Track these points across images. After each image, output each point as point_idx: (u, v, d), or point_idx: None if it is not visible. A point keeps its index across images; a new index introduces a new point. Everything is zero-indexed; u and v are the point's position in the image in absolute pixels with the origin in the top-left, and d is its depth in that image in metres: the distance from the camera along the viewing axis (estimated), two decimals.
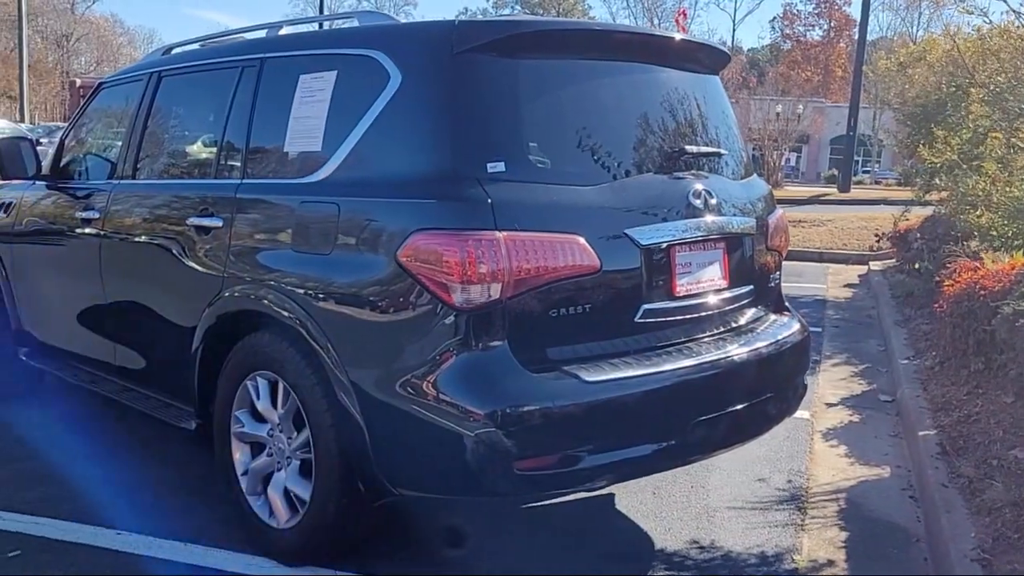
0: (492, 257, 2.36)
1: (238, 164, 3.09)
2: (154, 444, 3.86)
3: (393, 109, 2.61)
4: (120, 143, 3.75)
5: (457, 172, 2.47)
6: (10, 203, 4.44)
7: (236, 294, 2.92)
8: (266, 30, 3.37)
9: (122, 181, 3.63)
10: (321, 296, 2.64)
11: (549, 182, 2.55)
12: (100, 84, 4.14)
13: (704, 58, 3.16)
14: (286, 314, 2.71)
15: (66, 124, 4.25)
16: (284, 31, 3.34)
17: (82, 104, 4.23)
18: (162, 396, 3.50)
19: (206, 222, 3.08)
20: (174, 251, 3.23)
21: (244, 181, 3.03)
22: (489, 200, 2.41)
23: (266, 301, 2.78)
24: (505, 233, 2.39)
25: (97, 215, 3.65)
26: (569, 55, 2.73)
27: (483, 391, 2.38)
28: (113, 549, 2.95)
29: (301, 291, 2.68)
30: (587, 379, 2.43)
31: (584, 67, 2.77)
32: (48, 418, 4.28)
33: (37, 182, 4.25)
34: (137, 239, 3.46)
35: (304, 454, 2.75)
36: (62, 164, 4.20)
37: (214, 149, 3.25)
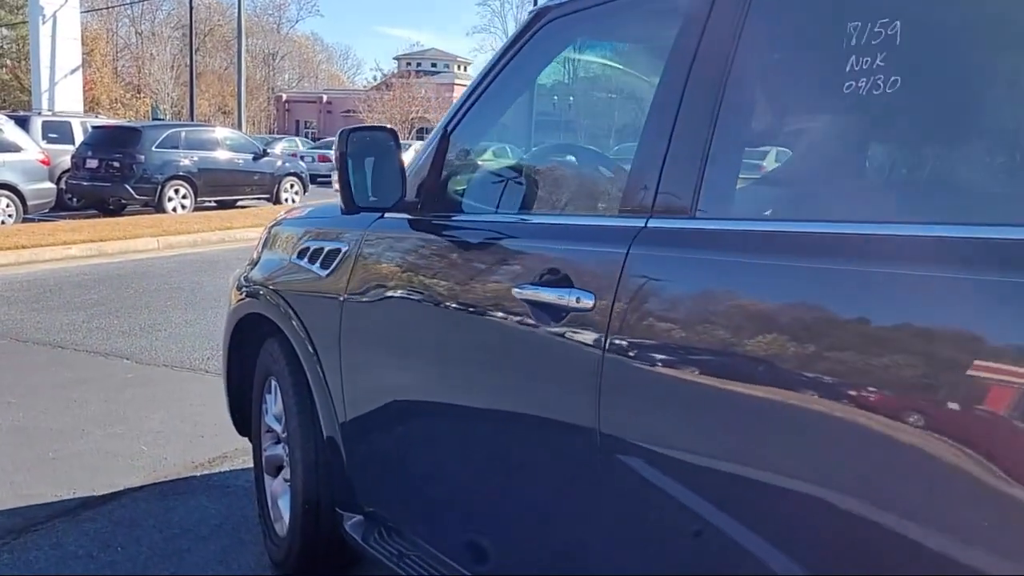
0: None
1: None
2: None
3: None
4: (637, 138, 1.68)
5: None
6: (336, 251, 2.53)
7: None
8: None
9: (666, 221, 1.56)
10: None
11: None
12: (539, 13, 2.05)
13: None
14: None
15: (457, 105, 2.24)
16: None
17: (490, 67, 2.18)
18: None
19: None
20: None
21: None
22: None
23: None
24: None
25: (589, 299, 1.59)
26: None
27: None
28: None
29: None
30: None
31: None
32: None
33: (387, 215, 2.33)
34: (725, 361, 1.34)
35: None
36: (448, 185, 2.24)
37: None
